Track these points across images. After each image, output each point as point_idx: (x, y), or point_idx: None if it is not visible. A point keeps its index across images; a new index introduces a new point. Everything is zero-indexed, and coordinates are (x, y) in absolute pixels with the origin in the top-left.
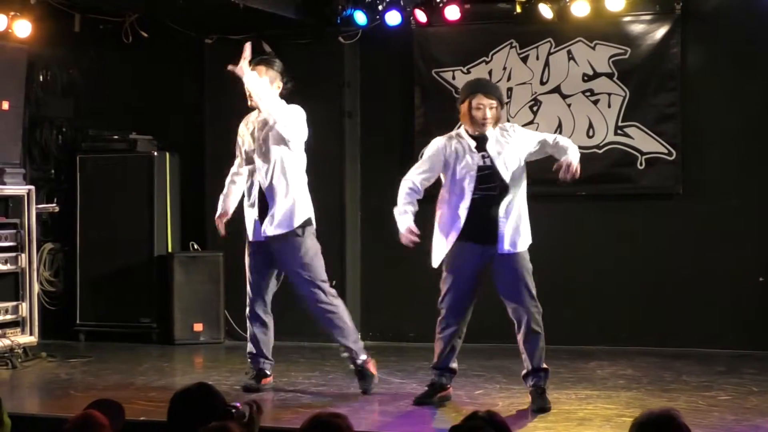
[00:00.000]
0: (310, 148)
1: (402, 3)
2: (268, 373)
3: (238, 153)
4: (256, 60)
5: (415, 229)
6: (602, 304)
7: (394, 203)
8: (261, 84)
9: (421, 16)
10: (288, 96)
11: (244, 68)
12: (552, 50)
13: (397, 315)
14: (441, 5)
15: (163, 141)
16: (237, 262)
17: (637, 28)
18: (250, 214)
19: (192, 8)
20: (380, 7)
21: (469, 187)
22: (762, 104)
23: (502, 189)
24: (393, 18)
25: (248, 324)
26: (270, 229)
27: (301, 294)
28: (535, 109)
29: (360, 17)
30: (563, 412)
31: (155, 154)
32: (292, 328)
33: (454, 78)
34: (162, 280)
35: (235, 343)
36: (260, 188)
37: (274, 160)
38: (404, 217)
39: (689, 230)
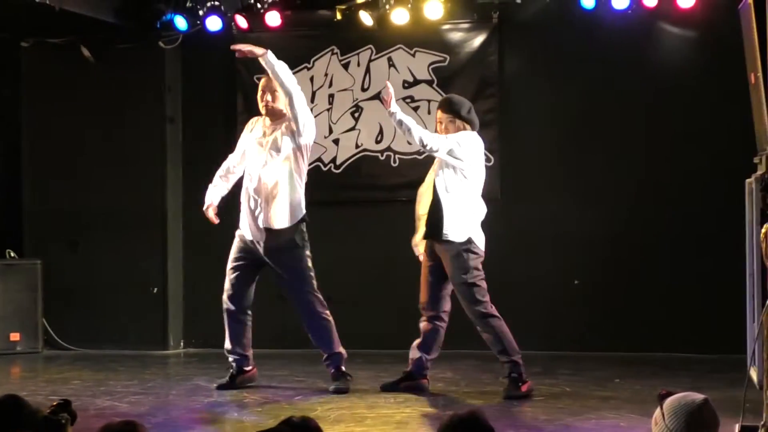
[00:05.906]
0: (131, 153)
1: (223, 9)
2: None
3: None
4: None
5: None
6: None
7: None
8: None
9: (242, 22)
10: (108, 101)
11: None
12: (373, 57)
13: (219, 323)
14: (262, 11)
15: None
16: (56, 269)
17: (456, 36)
18: None
19: (4, 9)
20: (201, 12)
21: None
22: (576, 111)
23: None
24: (214, 23)
25: None
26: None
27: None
28: (356, 115)
29: (180, 22)
30: (381, 416)
31: None
32: None
33: None
34: None
35: (54, 353)
36: None
37: None
38: None
39: (508, 234)
